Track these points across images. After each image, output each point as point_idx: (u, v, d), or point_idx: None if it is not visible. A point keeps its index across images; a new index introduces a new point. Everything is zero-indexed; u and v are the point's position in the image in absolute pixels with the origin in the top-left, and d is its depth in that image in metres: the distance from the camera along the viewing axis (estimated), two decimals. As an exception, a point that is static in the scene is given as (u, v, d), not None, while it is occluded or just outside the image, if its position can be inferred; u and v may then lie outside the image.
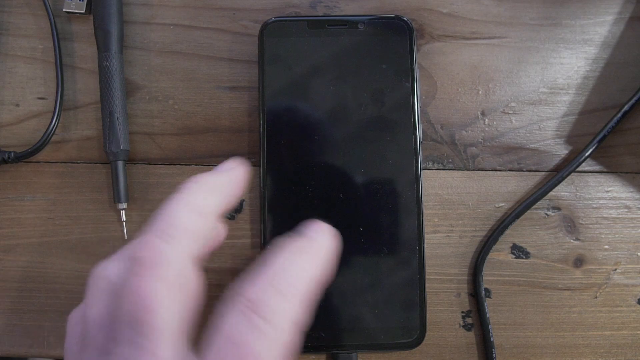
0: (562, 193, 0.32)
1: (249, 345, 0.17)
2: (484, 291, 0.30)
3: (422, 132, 0.31)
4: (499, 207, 0.31)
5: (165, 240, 0.18)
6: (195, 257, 0.19)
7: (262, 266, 0.19)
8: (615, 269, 0.31)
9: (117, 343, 0.17)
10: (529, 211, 0.31)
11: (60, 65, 0.31)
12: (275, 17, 0.30)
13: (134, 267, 0.17)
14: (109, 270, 0.19)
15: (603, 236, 0.31)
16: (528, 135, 0.32)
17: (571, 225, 0.31)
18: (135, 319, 0.16)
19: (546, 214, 0.31)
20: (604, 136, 0.31)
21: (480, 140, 0.32)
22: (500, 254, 0.31)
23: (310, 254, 0.20)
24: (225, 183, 0.21)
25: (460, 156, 0.32)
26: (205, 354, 0.17)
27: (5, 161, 0.30)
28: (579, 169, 0.31)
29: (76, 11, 0.32)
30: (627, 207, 0.32)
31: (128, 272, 0.17)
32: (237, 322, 0.17)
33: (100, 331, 0.17)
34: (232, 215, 0.31)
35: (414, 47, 0.30)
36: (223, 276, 0.31)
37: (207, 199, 0.20)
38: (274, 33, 0.30)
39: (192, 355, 0.17)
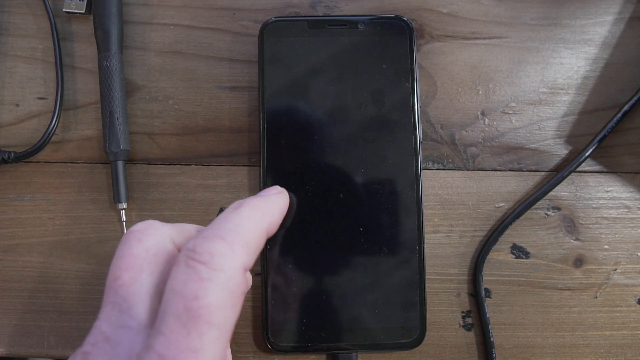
0: (562, 193, 0.32)
1: (193, 291, 0.17)
2: (484, 291, 0.30)
3: (422, 132, 0.31)
4: (499, 207, 0.31)
5: (237, 254, 0.19)
6: (249, 268, 0.20)
7: (212, 223, 0.20)
8: (615, 269, 0.31)
9: (102, 307, 0.18)
10: (529, 211, 0.31)
11: (60, 65, 0.31)
12: (275, 17, 0.30)
13: (124, 235, 0.19)
14: (165, 238, 0.20)
15: (603, 236, 0.31)
16: (528, 135, 0.32)
17: (571, 225, 0.31)
18: (114, 279, 0.18)
19: (546, 214, 0.31)
20: (604, 136, 0.31)
21: (480, 140, 0.32)
22: (500, 254, 0.31)
23: (254, 206, 0.21)
24: (278, 213, 0.23)
25: (460, 156, 0.32)
26: (159, 312, 0.17)
27: (5, 161, 0.30)
28: (579, 169, 0.31)
29: (76, 11, 0.32)
30: (627, 207, 0.32)
31: (193, 270, 0.18)
32: (179, 273, 0.18)
33: (144, 303, 0.19)
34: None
35: (414, 47, 0.30)
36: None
37: (277, 222, 0.22)
38: (274, 33, 0.30)
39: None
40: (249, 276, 0.24)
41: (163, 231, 0.21)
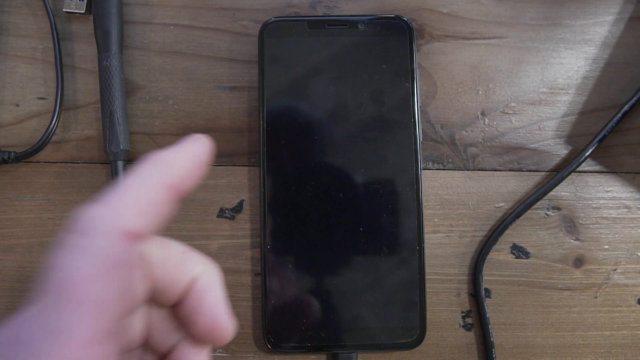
0: (562, 193, 0.32)
1: (61, 263, 0.15)
2: (484, 291, 0.30)
3: (422, 132, 0.31)
4: (499, 207, 0.31)
5: (118, 215, 0.16)
6: (138, 232, 0.16)
7: None
8: (615, 269, 0.31)
9: (30, 305, 0.15)
10: (529, 211, 0.31)
11: (60, 65, 0.31)
12: (275, 17, 0.30)
13: (72, 235, 0.15)
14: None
15: (603, 236, 0.31)
16: (528, 135, 0.32)
17: (571, 225, 0.31)
18: (55, 294, 0.15)
19: (546, 214, 0.31)
20: (604, 136, 0.31)
21: (480, 140, 0.32)
22: (500, 254, 0.31)
23: (155, 160, 0.17)
24: (185, 162, 0.18)
25: (460, 156, 0.32)
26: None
27: (5, 161, 0.30)
28: (579, 169, 0.31)
29: (76, 11, 0.31)
30: (627, 207, 0.32)
31: (66, 239, 0.15)
32: (57, 245, 0.15)
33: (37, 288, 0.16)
34: (232, 215, 0.31)
35: (414, 47, 0.30)
36: (222, 276, 0.31)
37: (187, 174, 0.18)
38: (274, 33, 0.30)
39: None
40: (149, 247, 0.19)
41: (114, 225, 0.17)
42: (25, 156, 0.30)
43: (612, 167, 0.32)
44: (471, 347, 0.31)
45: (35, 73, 0.32)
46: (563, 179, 0.31)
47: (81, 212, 0.15)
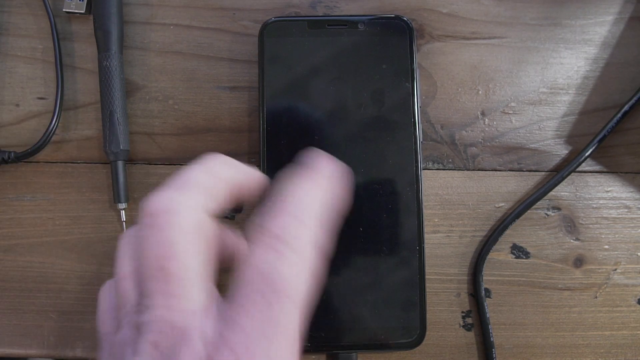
0: (562, 193, 0.32)
1: (277, 272, 0.18)
2: (484, 291, 0.30)
3: (422, 132, 0.31)
4: (499, 207, 0.31)
5: (179, 192, 0.19)
6: (210, 210, 0.19)
7: (275, 199, 0.20)
8: (615, 269, 0.31)
9: (148, 297, 0.17)
10: (529, 211, 0.31)
11: (60, 65, 0.31)
12: (275, 17, 0.30)
13: (149, 219, 0.18)
14: (131, 231, 0.20)
15: (603, 236, 0.31)
16: (528, 135, 0.32)
17: (571, 225, 0.31)
18: (159, 269, 0.17)
19: (546, 214, 0.31)
20: (604, 136, 0.31)
21: (480, 140, 0.32)
22: (500, 254, 0.31)
23: (316, 182, 0.21)
24: (247, 172, 0.22)
25: (460, 156, 0.32)
26: (237, 288, 0.18)
27: (5, 161, 0.30)
28: (579, 169, 0.31)
29: (76, 11, 0.32)
30: (627, 207, 0.32)
31: (145, 226, 0.18)
32: (263, 253, 0.18)
33: (131, 290, 0.19)
34: (232, 215, 0.31)
35: (414, 47, 0.30)
36: (222, 276, 0.31)
37: (223, 168, 0.21)
38: (274, 33, 0.30)
39: (219, 296, 0.18)
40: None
41: (190, 205, 0.19)
42: (25, 156, 0.30)
43: (612, 167, 0.32)
44: (471, 347, 0.31)
45: (35, 73, 0.32)
46: (563, 179, 0.31)
47: (274, 223, 0.19)
